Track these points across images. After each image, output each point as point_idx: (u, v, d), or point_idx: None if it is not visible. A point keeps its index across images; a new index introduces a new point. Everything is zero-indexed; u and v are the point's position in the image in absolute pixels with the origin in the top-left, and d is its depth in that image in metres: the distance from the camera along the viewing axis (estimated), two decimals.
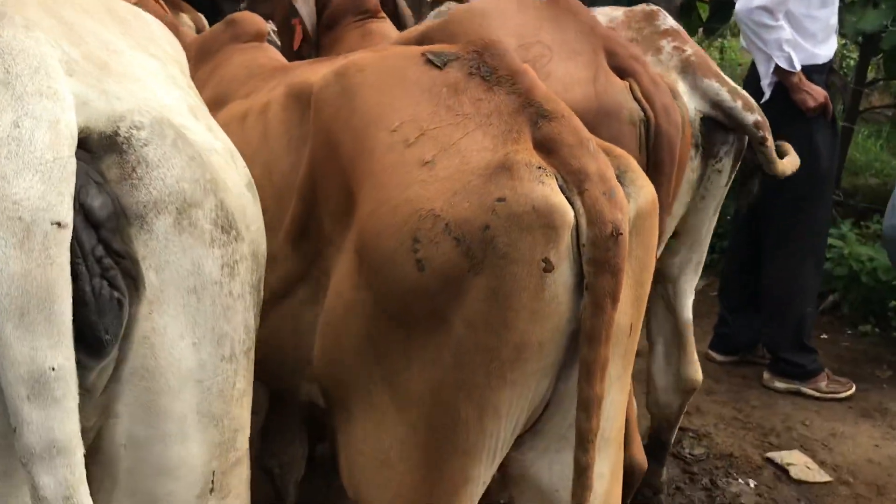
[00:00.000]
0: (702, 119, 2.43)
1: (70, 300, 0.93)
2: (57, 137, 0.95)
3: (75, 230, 0.97)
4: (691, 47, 2.51)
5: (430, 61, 1.48)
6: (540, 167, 1.29)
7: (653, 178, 1.97)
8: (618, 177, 1.37)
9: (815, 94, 3.43)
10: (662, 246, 2.25)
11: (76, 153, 0.99)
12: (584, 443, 1.38)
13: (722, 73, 2.51)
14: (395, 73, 1.48)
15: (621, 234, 1.28)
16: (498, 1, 2.24)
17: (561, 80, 1.97)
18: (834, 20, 3.58)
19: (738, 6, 3.39)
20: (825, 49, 3.56)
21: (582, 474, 1.40)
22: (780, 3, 3.30)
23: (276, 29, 3.03)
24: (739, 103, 2.43)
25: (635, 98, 1.99)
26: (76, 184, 0.97)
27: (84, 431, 1.01)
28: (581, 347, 1.34)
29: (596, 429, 1.35)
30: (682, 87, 2.39)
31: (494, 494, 2.91)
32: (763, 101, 3.34)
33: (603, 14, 2.63)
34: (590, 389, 1.34)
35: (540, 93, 1.39)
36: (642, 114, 1.98)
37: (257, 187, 1.78)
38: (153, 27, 1.41)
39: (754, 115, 2.46)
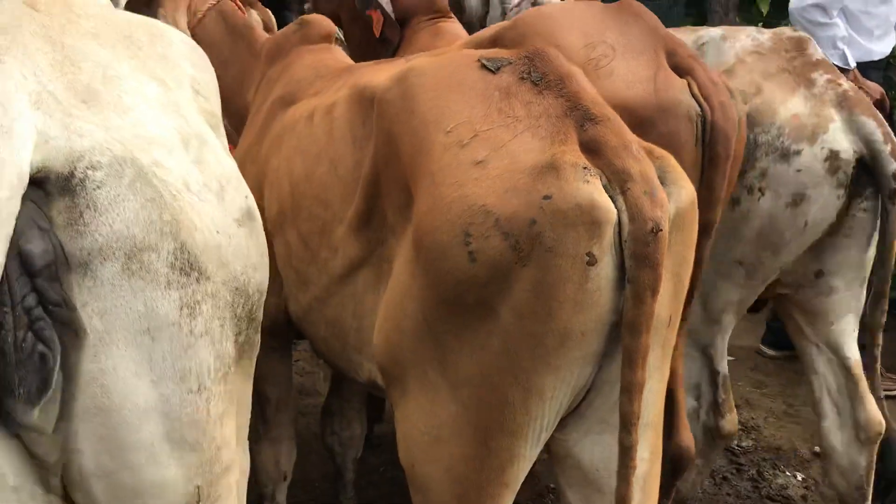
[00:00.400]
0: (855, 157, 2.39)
1: None
2: None
3: (7, 278, 0.97)
4: (845, 82, 2.49)
5: (484, 66, 1.58)
6: (585, 167, 1.38)
7: (708, 171, 2.06)
8: (659, 177, 1.45)
9: (872, 90, 3.42)
10: (711, 237, 2.30)
11: (30, 193, 0.99)
12: (627, 425, 1.46)
13: (878, 113, 2.47)
14: (451, 77, 1.58)
15: (661, 230, 1.36)
16: (567, 4, 2.33)
17: (623, 78, 2.06)
18: (894, 17, 3.56)
19: (791, 3, 3.39)
20: (882, 45, 3.53)
21: (626, 454, 1.47)
22: (834, 0, 3.30)
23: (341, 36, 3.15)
24: (888, 148, 2.38)
25: (693, 95, 2.05)
26: (18, 227, 0.97)
27: (49, 466, 1.08)
28: (623, 336, 1.42)
29: (638, 412, 1.44)
30: (837, 122, 2.38)
31: (543, 479, 3.02)
32: None
33: (747, 35, 2.64)
34: (632, 375, 1.42)
35: (587, 96, 1.48)
36: (699, 110, 2.04)
37: (323, 182, 1.91)
38: (173, 47, 1.41)
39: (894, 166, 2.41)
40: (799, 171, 2.38)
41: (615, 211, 1.37)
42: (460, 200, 1.42)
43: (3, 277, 0.95)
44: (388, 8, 2.80)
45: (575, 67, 1.59)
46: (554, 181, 1.37)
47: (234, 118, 2.56)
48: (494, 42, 2.31)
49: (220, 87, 2.57)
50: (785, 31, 2.68)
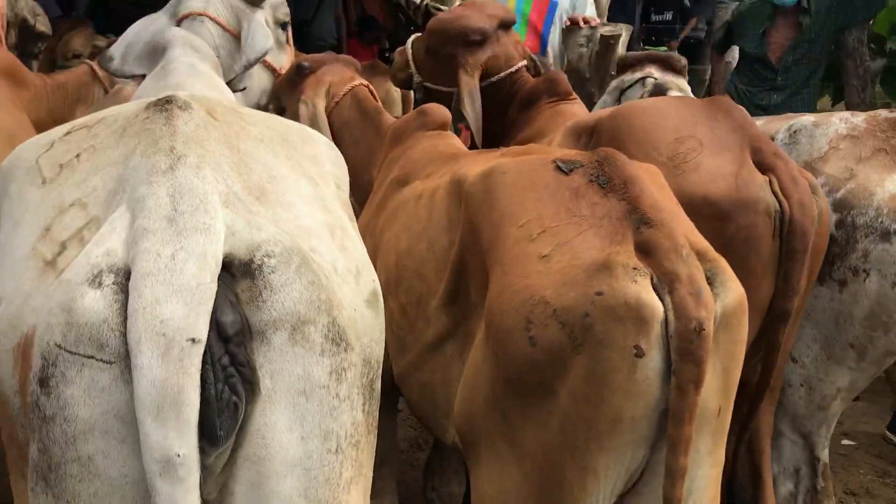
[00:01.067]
0: None
1: (197, 402, 1.11)
2: (202, 268, 1.15)
3: (208, 342, 1.14)
4: None
5: (559, 168, 1.73)
6: (635, 268, 1.50)
7: (785, 264, 2.13)
8: (709, 279, 1.55)
9: None
10: (797, 325, 2.33)
11: (221, 275, 1.18)
12: None
13: None
14: (529, 176, 1.75)
15: (703, 329, 1.46)
16: (662, 100, 2.46)
17: (708, 172, 2.17)
18: None
19: None
20: None
21: None
22: None
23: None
24: None
25: (773, 192, 2.14)
26: (214, 303, 1.15)
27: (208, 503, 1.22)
28: (668, 424, 1.52)
29: (679, 496, 1.52)
30: None
31: None
32: None
33: (841, 119, 2.68)
34: (675, 461, 1.51)
35: (646, 201, 1.60)
36: (778, 206, 2.13)
37: (422, 258, 2.12)
38: (319, 148, 1.63)
39: None
40: None
41: (662, 309, 1.48)
42: (524, 290, 1.58)
43: (206, 342, 1.14)
44: (475, 124, 2.94)
45: (641, 171, 1.72)
46: (606, 279, 1.50)
47: (360, 193, 2.82)
48: (593, 131, 2.47)
49: (350, 163, 2.86)
50: (881, 112, 2.65)
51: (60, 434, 1.16)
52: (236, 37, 3.12)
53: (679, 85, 3.92)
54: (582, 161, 1.73)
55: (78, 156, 1.40)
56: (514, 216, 1.70)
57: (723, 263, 1.60)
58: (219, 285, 1.18)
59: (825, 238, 2.27)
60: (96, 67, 2.99)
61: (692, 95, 3.96)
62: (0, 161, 1.56)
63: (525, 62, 3.13)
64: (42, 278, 1.25)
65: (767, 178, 2.15)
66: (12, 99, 2.61)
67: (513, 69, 3.07)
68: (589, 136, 2.49)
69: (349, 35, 7.57)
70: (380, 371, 1.46)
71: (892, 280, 2.40)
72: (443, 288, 1.98)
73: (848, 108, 5.67)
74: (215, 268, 1.18)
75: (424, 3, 3.60)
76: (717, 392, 1.56)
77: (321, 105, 2.99)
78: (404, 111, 5.75)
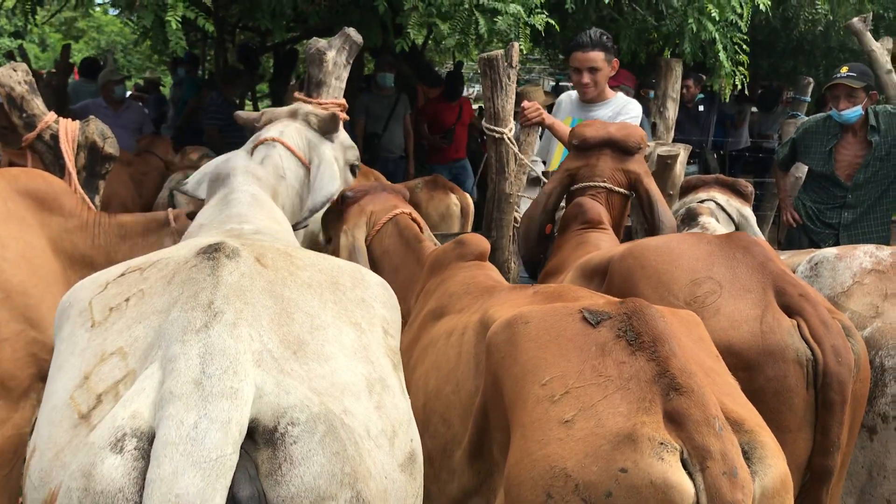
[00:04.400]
0: None
1: None
2: (225, 437, 1.10)
3: None
4: None
5: (585, 319, 1.60)
6: (663, 442, 1.33)
7: (822, 416, 1.89)
8: (746, 453, 1.37)
9: None
10: (841, 482, 2.08)
11: (245, 442, 1.13)
12: None
13: None
14: (553, 328, 1.62)
15: None
16: (676, 237, 2.30)
17: (729, 317, 1.97)
18: None
19: None
20: None
21: None
22: None
23: None
24: None
25: (803, 338, 1.92)
26: (234, 475, 1.11)
27: None
28: None
29: None
30: None
31: None
32: None
33: (865, 253, 2.50)
34: None
35: (676, 363, 1.45)
36: (810, 354, 1.90)
37: (449, 402, 1.98)
38: (370, 290, 1.57)
39: None
40: None
41: (692, 490, 1.31)
42: (544, 459, 1.43)
43: None
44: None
45: (674, 325, 1.57)
46: (631, 454, 1.34)
47: None
48: (605, 271, 2.33)
49: None
50: None
51: None
52: (307, 165, 3.13)
53: (741, 211, 3.77)
54: (610, 312, 1.59)
55: (127, 300, 1.40)
56: (536, 372, 1.56)
57: (762, 436, 1.42)
58: (241, 453, 1.13)
59: (866, 384, 2.03)
60: (174, 217, 3.01)
61: (754, 223, 3.80)
62: None
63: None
64: (74, 431, 1.24)
65: (795, 322, 1.95)
66: (26, 220, 2.57)
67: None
68: (602, 277, 2.35)
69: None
70: None
71: None
72: (466, 439, 1.83)
73: None
74: (238, 436, 1.13)
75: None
76: None
77: (361, 235, 2.94)
78: (463, 225, 5.73)
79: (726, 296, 2.00)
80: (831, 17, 7.81)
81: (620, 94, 4.42)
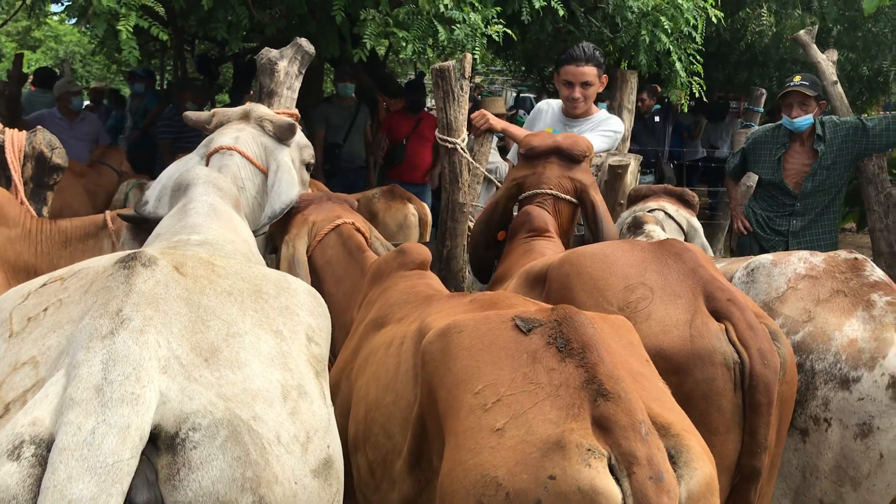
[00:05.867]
0: None
1: None
2: (123, 443, 1.09)
3: None
4: None
5: (517, 326, 1.60)
6: (590, 449, 1.34)
7: (750, 419, 1.91)
8: (672, 457, 1.38)
9: None
10: (772, 483, 2.10)
11: (147, 447, 1.11)
12: None
13: None
14: (486, 336, 1.61)
15: None
16: (612, 244, 2.33)
17: (660, 322, 1.99)
18: None
19: None
20: None
21: None
22: None
23: None
24: None
25: (731, 341, 1.94)
26: (133, 481, 1.09)
27: None
28: None
29: None
30: None
31: None
32: None
33: (800, 259, 2.51)
34: None
35: (603, 370, 1.45)
36: (737, 357, 1.93)
37: (389, 412, 1.96)
38: (296, 298, 1.55)
39: None
40: (861, 399, 2.13)
41: (619, 495, 1.31)
42: (476, 468, 1.42)
43: None
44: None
45: (604, 331, 1.58)
46: (559, 461, 1.34)
47: (341, 332, 2.70)
48: (543, 278, 2.34)
49: (333, 302, 2.75)
50: (840, 253, 2.48)
51: None
52: (264, 172, 3.09)
53: (690, 221, 3.82)
54: (541, 320, 1.59)
55: (46, 309, 1.38)
56: (469, 381, 1.55)
57: (688, 439, 1.43)
58: (142, 459, 1.11)
59: (793, 386, 2.06)
60: (111, 219, 2.96)
61: (702, 232, 3.84)
62: None
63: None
64: None
65: (723, 326, 1.97)
66: None
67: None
68: (543, 284, 2.37)
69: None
70: None
71: (854, 431, 2.15)
72: (406, 449, 1.82)
73: (871, 234, 5.49)
74: (139, 442, 1.11)
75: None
76: None
77: (302, 246, 2.91)
78: (421, 235, 5.70)
79: (657, 301, 2.02)
80: (775, 30, 7.96)
81: (603, 110, 4.41)
